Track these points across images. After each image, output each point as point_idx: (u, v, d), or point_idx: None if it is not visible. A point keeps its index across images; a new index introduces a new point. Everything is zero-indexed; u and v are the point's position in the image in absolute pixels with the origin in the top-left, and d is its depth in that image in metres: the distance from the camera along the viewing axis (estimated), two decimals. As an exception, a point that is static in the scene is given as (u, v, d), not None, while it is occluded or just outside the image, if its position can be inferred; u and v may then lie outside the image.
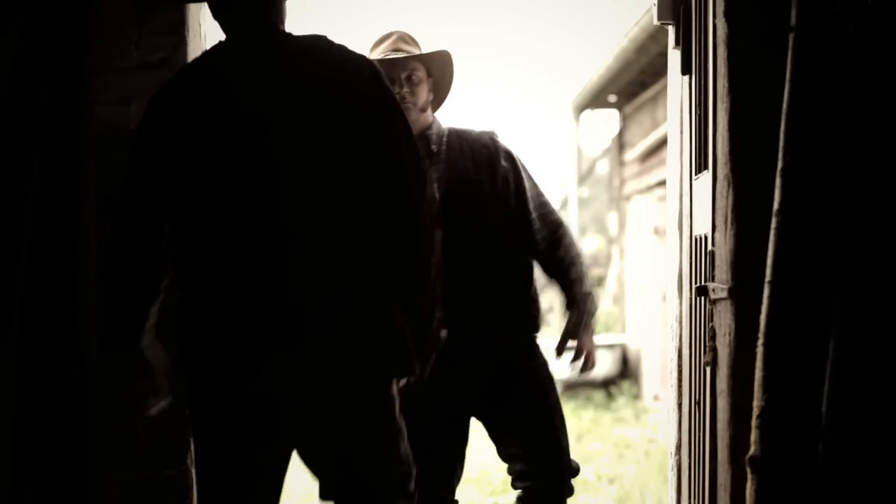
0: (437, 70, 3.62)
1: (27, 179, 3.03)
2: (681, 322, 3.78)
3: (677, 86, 3.84)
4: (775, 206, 2.52)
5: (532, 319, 3.68)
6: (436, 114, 3.67)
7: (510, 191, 3.62)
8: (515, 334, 3.65)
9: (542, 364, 3.68)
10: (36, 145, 3.05)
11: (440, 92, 3.67)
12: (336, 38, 2.78)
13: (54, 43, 3.10)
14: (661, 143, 11.01)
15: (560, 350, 3.65)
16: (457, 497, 3.71)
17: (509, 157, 3.64)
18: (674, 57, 3.86)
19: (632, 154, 13.87)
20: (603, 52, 13.56)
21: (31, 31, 3.05)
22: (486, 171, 3.59)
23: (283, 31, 2.82)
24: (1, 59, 3.04)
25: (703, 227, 3.36)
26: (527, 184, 3.66)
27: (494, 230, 3.57)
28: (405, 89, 3.51)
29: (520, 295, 3.65)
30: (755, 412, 2.52)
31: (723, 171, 3.02)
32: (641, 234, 13.41)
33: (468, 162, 3.59)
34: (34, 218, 3.04)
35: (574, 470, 3.65)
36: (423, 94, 3.57)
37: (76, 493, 3.13)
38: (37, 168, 3.06)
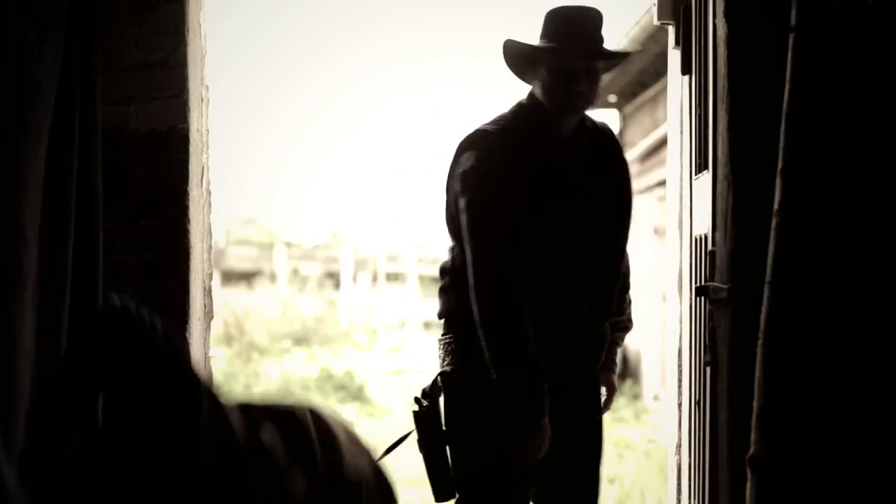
0: None
1: (69, 180, 3.04)
2: (681, 322, 3.78)
3: (677, 86, 3.84)
4: (775, 206, 2.52)
5: None
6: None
7: None
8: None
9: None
10: (75, 144, 3.05)
11: None
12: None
13: (80, 43, 3.10)
14: (661, 143, 11.01)
15: None
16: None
17: None
18: (674, 57, 3.86)
19: (632, 154, 13.84)
20: (603, 52, 13.49)
21: (70, 32, 3.06)
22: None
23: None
24: (50, 59, 3.04)
25: (703, 227, 3.36)
26: None
27: None
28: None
29: None
30: (755, 412, 2.52)
31: (723, 171, 3.02)
32: (641, 234, 13.40)
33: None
34: (76, 217, 3.05)
35: None
36: None
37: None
38: (77, 167, 3.06)
